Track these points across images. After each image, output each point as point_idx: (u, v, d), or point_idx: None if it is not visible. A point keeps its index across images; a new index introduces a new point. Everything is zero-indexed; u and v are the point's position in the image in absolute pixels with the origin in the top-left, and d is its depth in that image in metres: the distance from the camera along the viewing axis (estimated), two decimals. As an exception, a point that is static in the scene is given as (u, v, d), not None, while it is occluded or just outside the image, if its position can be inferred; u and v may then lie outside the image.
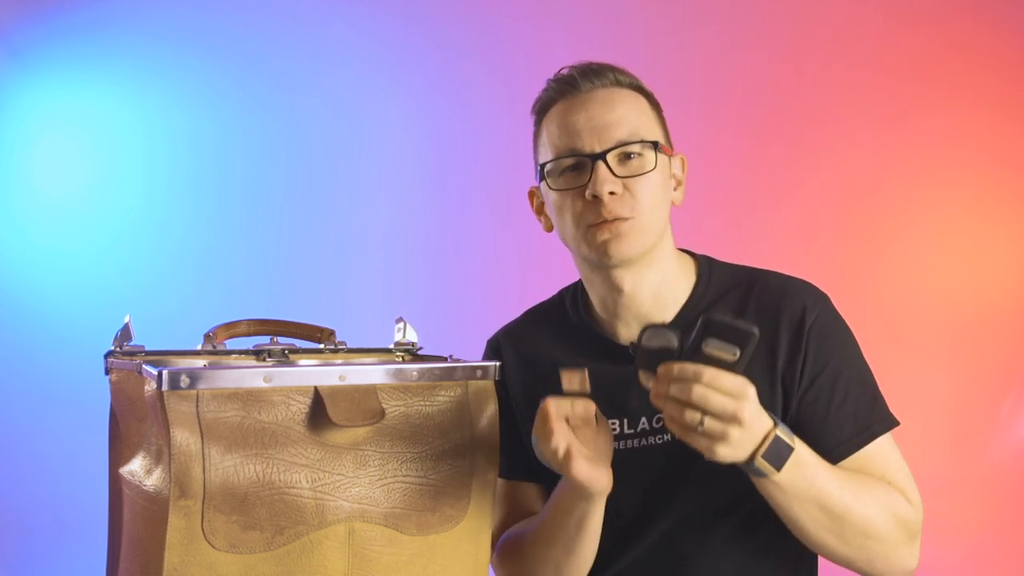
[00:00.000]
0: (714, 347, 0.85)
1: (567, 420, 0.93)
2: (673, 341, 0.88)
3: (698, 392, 0.85)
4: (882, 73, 2.90)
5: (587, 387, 0.93)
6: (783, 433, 0.91)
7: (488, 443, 0.96)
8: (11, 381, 3.33)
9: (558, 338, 1.20)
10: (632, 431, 1.12)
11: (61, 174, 3.41)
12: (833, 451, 1.06)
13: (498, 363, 0.98)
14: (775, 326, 1.11)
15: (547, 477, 1.14)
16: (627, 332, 1.15)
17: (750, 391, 0.87)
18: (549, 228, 1.18)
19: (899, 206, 2.91)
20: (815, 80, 2.94)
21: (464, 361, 0.98)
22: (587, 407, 0.93)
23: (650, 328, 0.89)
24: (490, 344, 1.28)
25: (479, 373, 0.96)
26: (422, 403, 0.93)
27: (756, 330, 0.84)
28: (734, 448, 0.88)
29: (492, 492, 0.97)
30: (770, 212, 2.95)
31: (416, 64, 3.24)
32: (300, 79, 3.30)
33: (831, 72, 2.93)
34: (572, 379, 0.93)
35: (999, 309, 2.85)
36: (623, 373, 1.06)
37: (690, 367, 0.86)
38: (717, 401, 0.85)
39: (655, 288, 1.13)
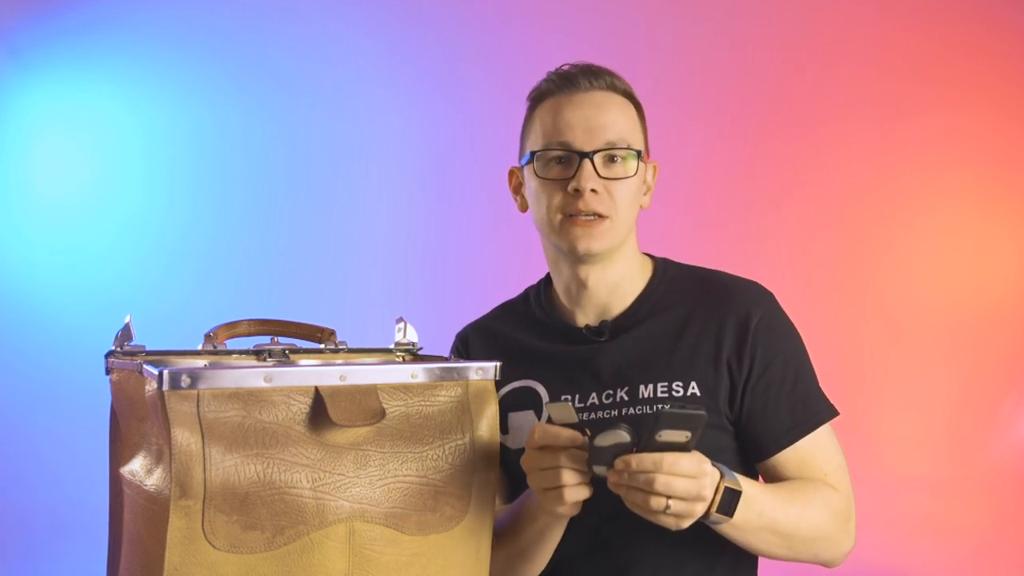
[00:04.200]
0: (667, 435, 0.88)
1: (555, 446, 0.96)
2: (625, 437, 0.91)
3: (661, 481, 0.89)
4: (882, 73, 2.90)
5: (575, 418, 0.95)
6: (730, 481, 0.95)
7: (488, 443, 0.96)
8: (11, 381, 3.33)
9: (521, 325, 1.27)
10: (582, 405, 1.17)
11: (61, 174, 3.41)
12: (781, 438, 1.12)
13: (498, 363, 0.99)
14: (721, 320, 1.16)
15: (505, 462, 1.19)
16: (584, 318, 1.21)
17: (706, 466, 0.91)
18: (524, 208, 1.24)
19: (899, 206, 2.91)
20: (815, 80, 2.94)
21: (464, 361, 0.98)
22: (574, 439, 0.95)
23: (602, 433, 0.91)
24: (459, 336, 1.33)
25: (479, 373, 0.97)
26: (422, 403, 0.93)
27: (704, 412, 0.88)
28: (696, 517, 0.93)
29: (492, 492, 0.97)
30: (770, 212, 2.95)
31: (416, 64, 3.24)
32: (300, 79, 3.30)
33: (831, 72, 2.93)
34: (557, 411, 0.95)
35: (999, 309, 2.85)
36: (577, 351, 1.19)
37: (648, 458, 0.89)
38: (680, 485, 0.89)
39: (614, 282, 1.19)
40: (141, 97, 3.36)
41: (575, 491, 0.96)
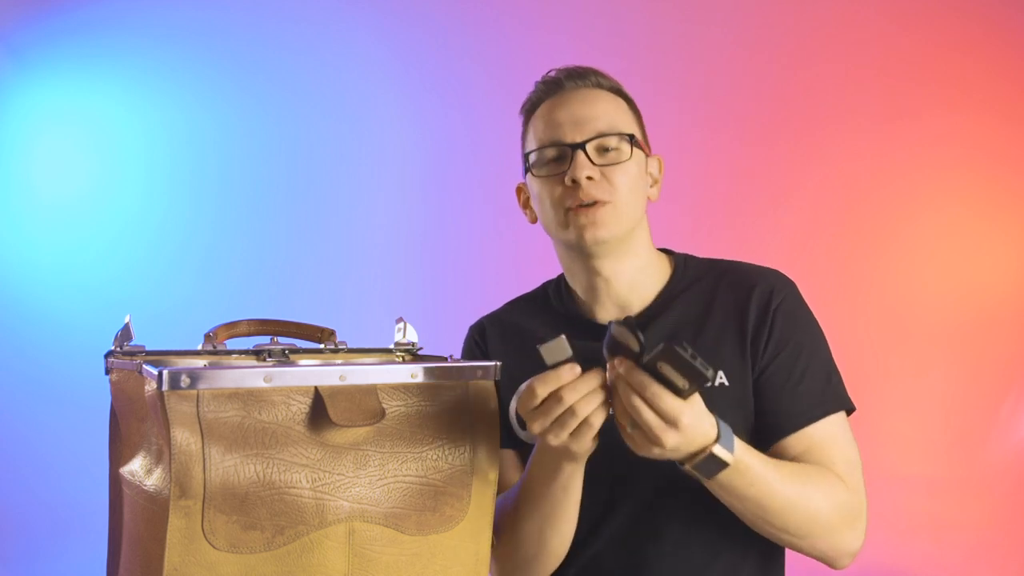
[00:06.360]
0: (667, 370, 0.86)
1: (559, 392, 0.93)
2: (634, 345, 0.88)
3: (634, 403, 0.88)
4: (882, 73, 2.90)
5: (569, 351, 0.92)
6: (720, 450, 0.93)
7: (488, 443, 0.96)
8: (11, 381, 3.33)
9: (540, 318, 1.26)
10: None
11: (61, 174, 3.41)
12: (786, 423, 1.11)
13: (498, 363, 0.98)
14: (745, 302, 1.17)
15: (521, 443, 1.17)
16: (605, 314, 1.21)
17: (685, 419, 0.88)
18: (534, 220, 1.25)
19: (899, 206, 2.91)
20: (814, 80, 2.94)
21: (464, 361, 0.98)
22: (573, 370, 0.92)
23: (620, 323, 0.89)
24: (474, 328, 1.32)
25: (479, 373, 0.96)
26: (422, 403, 0.93)
27: (710, 374, 0.85)
28: (657, 455, 0.91)
29: (492, 492, 0.97)
30: (770, 212, 2.95)
31: (416, 64, 3.24)
32: (300, 79, 3.30)
33: (831, 72, 2.93)
34: (551, 350, 0.92)
35: (999, 309, 2.85)
36: (599, 350, 1.14)
37: (638, 377, 0.87)
38: (647, 418, 0.88)
39: (631, 276, 1.19)
40: (141, 97, 3.37)
41: (598, 415, 0.92)
